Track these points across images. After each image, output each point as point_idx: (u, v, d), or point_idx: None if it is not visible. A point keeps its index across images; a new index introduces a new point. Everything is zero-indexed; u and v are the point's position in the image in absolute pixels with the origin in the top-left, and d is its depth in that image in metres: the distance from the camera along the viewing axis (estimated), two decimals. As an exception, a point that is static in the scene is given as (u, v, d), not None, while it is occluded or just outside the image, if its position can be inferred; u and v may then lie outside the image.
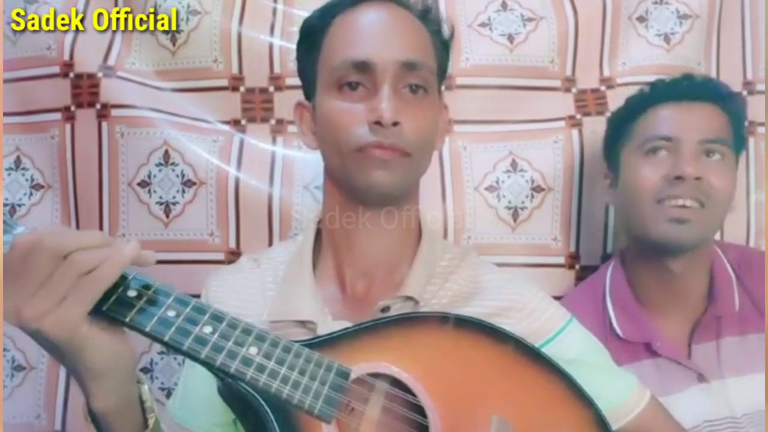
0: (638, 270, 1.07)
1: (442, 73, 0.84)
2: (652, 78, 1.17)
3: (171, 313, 0.59)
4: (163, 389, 1.23)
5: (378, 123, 0.73)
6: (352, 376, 0.64)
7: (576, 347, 0.80)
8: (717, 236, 1.22)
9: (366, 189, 0.76)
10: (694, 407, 0.98)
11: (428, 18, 0.82)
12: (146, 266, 0.59)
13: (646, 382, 0.92)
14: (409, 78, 0.76)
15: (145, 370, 1.24)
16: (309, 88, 0.83)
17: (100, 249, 0.56)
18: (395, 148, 0.74)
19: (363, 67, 0.75)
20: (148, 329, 0.58)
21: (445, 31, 0.85)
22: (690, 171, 0.96)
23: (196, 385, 0.82)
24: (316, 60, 0.80)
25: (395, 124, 0.73)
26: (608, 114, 1.23)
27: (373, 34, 0.77)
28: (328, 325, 0.73)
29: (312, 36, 0.82)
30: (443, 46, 0.84)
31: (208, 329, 0.60)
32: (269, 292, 0.81)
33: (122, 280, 0.59)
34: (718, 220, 1.04)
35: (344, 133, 0.75)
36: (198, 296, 0.83)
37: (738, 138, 1.04)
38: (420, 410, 0.65)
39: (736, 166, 1.05)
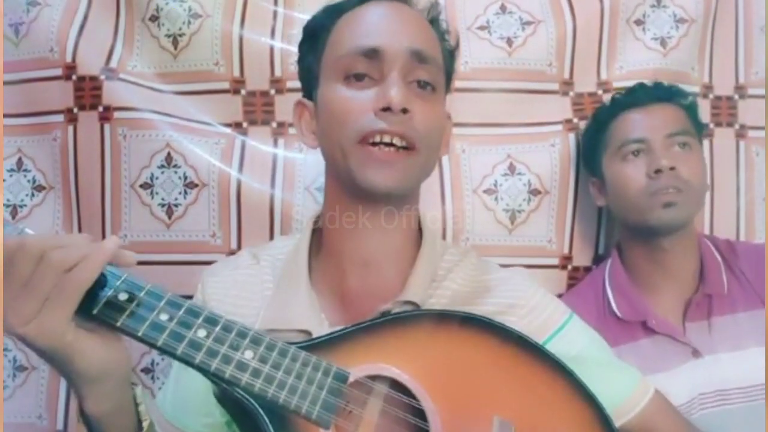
0: (634, 253, 1.17)
1: (448, 78, 0.83)
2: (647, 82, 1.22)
3: (164, 317, 0.58)
4: (161, 389, 1.24)
5: (386, 109, 0.70)
6: (351, 378, 0.63)
7: (578, 343, 0.80)
8: (709, 232, 1.31)
9: (367, 187, 0.72)
10: (690, 382, 1.05)
11: (435, 26, 0.82)
12: (127, 266, 0.57)
13: (644, 360, 1.02)
14: (418, 71, 0.74)
15: (146, 370, 1.25)
16: (310, 86, 0.81)
17: (78, 247, 0.54)
18: (402, 135, 0.71)
19: (372, 54, 0.72)
20: (140, 334, 0.57)
21: (451, 40, 0.84)
22: (665, 163, 1.09)
23: (188, 384, 0.80)
24: (320, 56, 0.79)
25: (404, 111, 0.71)
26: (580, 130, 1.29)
27: (382, 24, 0.75)
28: (325, 332, 0.71)
29: (316, 34, 0.80)
30: (449, 55, 0.83)
31: (202, 333, 0.59)
32: (267, 291, 0.80)
33: (113, 282, 0.58)
34: (700, 200, 1.16)
35: (348, 122, 0.72)
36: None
37: (697, 127, 1.18)
38: (420, 411, 0.64)
39: (702, 151, 1.18)
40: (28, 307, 0.53)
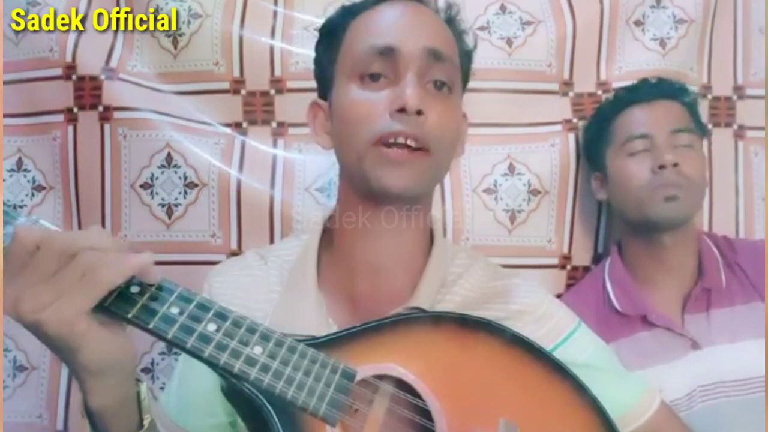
0: (634, 249, 1.19)
1: (465, 79, 0.82)
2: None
3: (174, 310, 0.58)
4: (164, 389, 1.24)
5: (401, 110, 0.69)
6: (358, 377, 0.63)
7: (585, 352, 0.80)
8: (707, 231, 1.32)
9: (380, 189, 0.72)
10: (689, 374, 1.06)
11: (452, 26, 0.81)
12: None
13: (644, 353, 1.04)
14: (434, 71, 0.73)
15: (146, 370, 1.25)
16: (325, 86, 0.81)
17: (108, 252, 0.55)
18: (416, 138, 0.70)
19: (387, 53, 0.72)
20: (150, 326, 0.57)
21: (469, 40, 0.83)
22: (669, 158, 1.10)
23: (193, 384, 0.80)
24: (335, 57, 0.78)
25: (419, 112, 0.70)
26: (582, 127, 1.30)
27: (398, 23, 0.75)
28: None
29: (331, 35, 0.79)
30: (466, 56, 0.82)
31: (212, 327, 0.58)
32: (274, 294, 0.79)
33: None
34: (700, 197, 1.18)
35: (363, 123, 0.72)
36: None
37: (698, 125, 1.20)
38: (425, 411, 0.64)
39: (702, 149, 1.20)
40: (46, 296, 0.52)
